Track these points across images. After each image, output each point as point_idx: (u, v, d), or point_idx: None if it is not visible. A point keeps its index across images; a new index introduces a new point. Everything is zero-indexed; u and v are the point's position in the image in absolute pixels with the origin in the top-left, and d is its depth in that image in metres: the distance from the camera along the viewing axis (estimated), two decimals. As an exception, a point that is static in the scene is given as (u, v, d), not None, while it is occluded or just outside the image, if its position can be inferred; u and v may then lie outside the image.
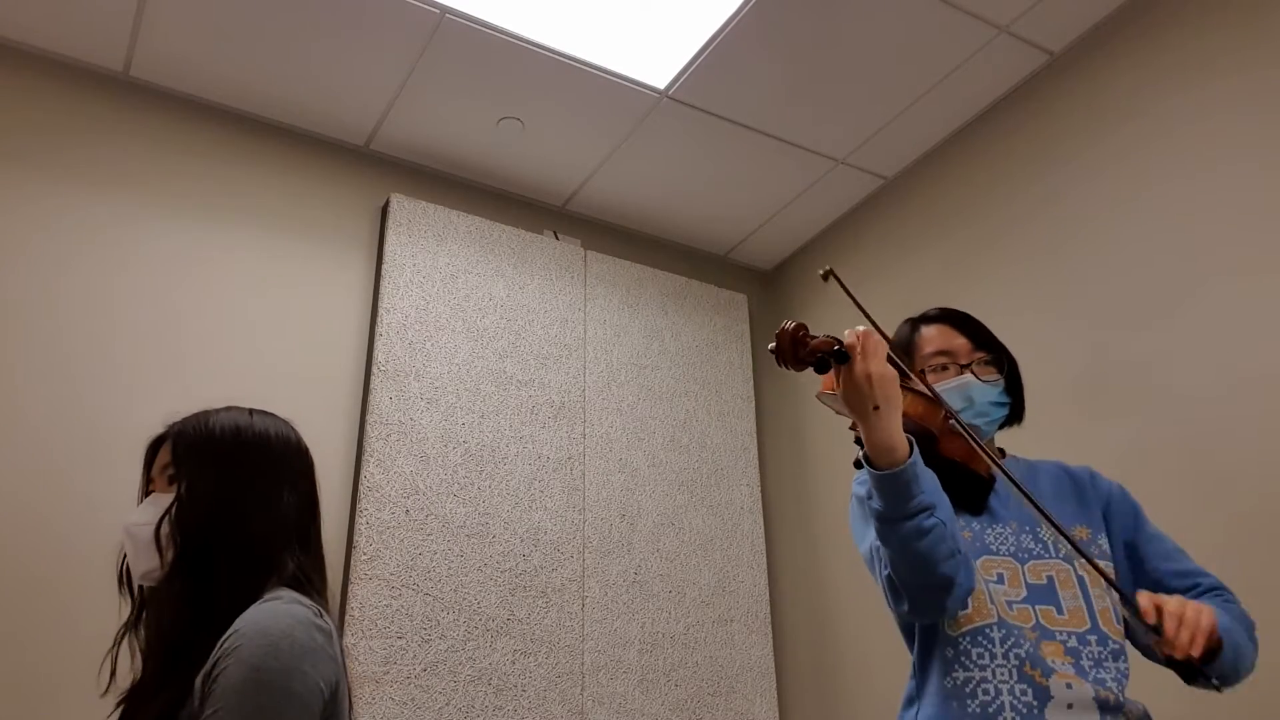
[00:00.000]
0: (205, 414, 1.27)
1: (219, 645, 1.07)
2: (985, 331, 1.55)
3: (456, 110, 2.88)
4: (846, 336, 1.32)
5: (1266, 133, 2.15)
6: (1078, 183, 2.56)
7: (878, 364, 1.29)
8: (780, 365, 1.32)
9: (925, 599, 1.29)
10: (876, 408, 1.27)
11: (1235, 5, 2.28)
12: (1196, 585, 1.42)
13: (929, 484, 1.29)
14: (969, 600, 1.35)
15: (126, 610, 1.26)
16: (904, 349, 1.54)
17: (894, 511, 1.26)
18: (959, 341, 1.51)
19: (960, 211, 2.91)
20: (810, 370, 1.34)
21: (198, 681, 1.07)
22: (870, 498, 1.29)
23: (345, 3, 2.50)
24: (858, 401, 1.29)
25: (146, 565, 1.20)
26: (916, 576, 1.28)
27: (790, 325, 1.31)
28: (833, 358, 1.31)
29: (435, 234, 2.94)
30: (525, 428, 2.85)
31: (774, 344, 1.32)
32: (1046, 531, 1.43)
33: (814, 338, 1.32)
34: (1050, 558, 1.41)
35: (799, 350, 1.31)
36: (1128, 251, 2.39)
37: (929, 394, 1.40)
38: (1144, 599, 1.20)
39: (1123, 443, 2.26)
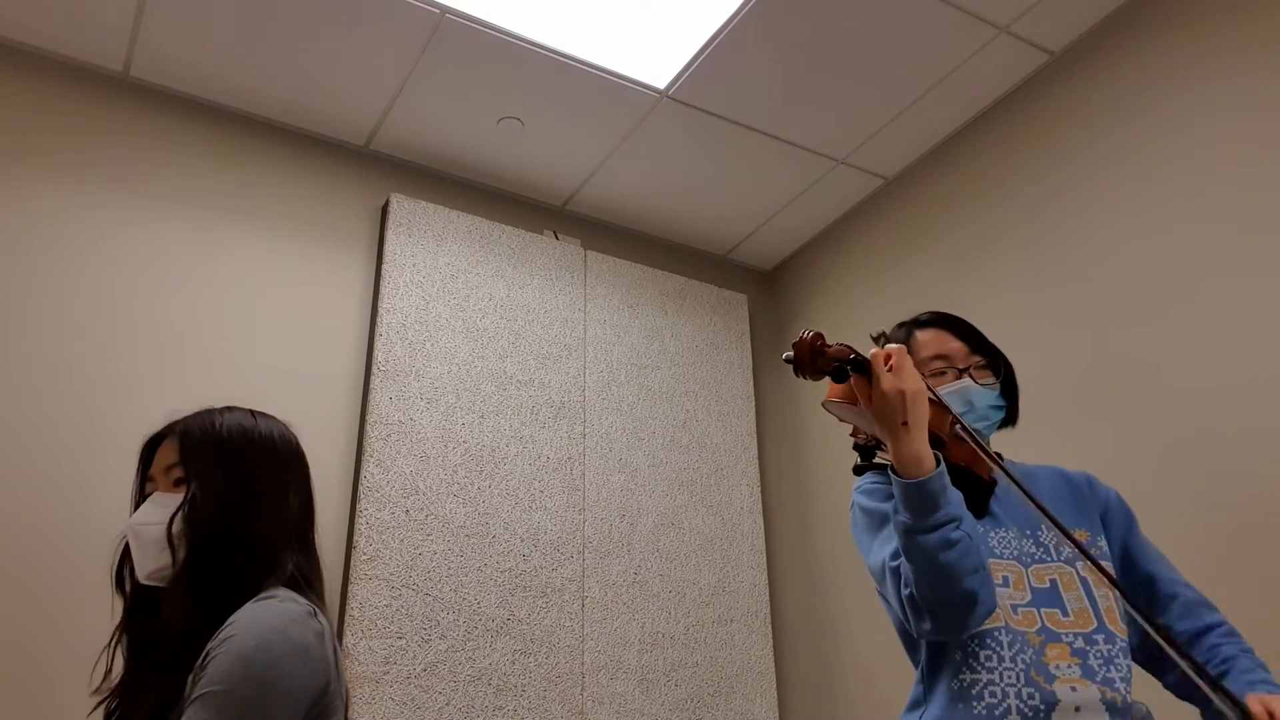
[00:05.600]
0: (209, 413, 1.28)
1: (213, 638, 1.09)
2: (979, 335, 1.56)
3: (456, 110, 2.88)
4: (880, 353, 1.32)
5: (1266, 133, 2.15)
6: (1078, 183, 2.56)
7: (912, 381, 1.29)
8: (798, 375, 1.33)
9: (948, 615, 1.27)
10: (905, 423, 1.28)
11: (1235, 5, 2.28)
12: (1176, 596, 1.44)
13: (955, 496, 1.29)
14: None
15: (120, 609, 1.26)
16: None
17: (921, 522, 1.26)
18: (955, 345, 1.52)
19: (960, 211, 2.91)
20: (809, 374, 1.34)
21: (190, 677, 1.08)
22: (897, 512, 1.29)
23: (345, 3, 2.50)
24: (888, 416, 1.29)
25: (156, 564, 1.20)
26: (940, 592, 1.26)
27: (808, 335, 1.32)
28: (850, 366, 1.31)
29: (435, 234, 2.94)
30: (525, 428, 2.85)
31: (791, 353, 1.32)
32: (1047, 536, 1.43)
33: (830, 347, 1.33)
34: (1052, 561, 1.41)
35: (817, 360, 1.32)
36: (1128, 251, 2.39)
37: (940, 401, 1.40)
38: (1255, 704, 1.17)
39: (1122, 441, 2.26)
